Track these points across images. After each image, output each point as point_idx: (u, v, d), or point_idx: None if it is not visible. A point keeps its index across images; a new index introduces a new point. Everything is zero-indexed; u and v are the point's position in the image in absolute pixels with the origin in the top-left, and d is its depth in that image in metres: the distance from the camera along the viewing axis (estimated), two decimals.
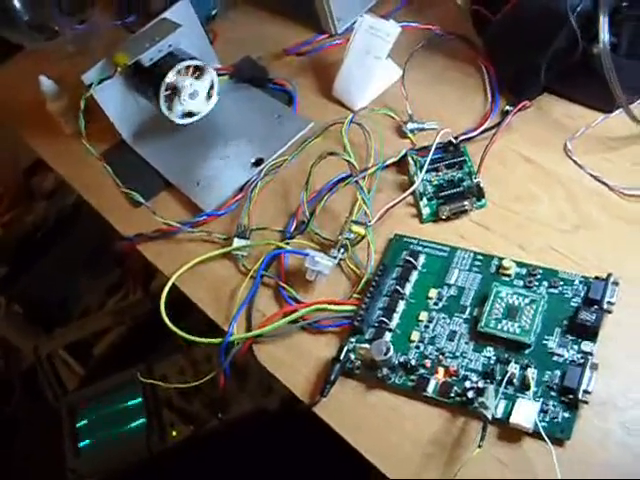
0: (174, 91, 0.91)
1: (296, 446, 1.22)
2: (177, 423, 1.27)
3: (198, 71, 0.92)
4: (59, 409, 1.39)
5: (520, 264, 0.71)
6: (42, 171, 1.86)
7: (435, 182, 0.81)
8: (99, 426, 1.32)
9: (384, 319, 0.71)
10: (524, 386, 0.64)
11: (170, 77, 0.89)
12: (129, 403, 1.31)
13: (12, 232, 1.82)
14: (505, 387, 0.64)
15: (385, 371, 0.68)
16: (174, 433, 1.27)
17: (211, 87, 0.94)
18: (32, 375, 1.59)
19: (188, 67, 0.91)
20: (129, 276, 1.66)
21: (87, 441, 1.31)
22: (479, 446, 0.59)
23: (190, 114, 0.94)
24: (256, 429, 1.24)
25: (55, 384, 1.48)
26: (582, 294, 0.68)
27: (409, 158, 0.83)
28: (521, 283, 0.70)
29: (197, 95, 0.93)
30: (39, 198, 1.88)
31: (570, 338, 0.65)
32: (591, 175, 0.78)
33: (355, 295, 0.75)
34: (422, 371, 0.67)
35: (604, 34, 0.73)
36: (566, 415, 0.61)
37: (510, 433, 0.62)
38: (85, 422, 1.33)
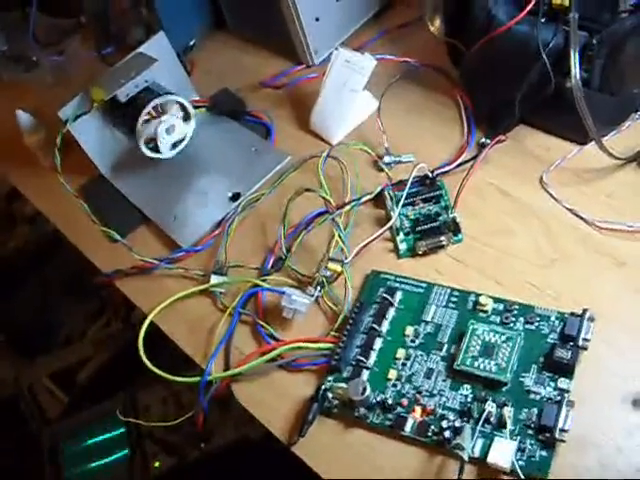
0: (159, 114, 0.92)
1: (279, 475, 1.21)
2: (160, 454, 1.26)
3: (185, 115, 0.93)
4: (40, 438, 1.38)
5: (497, 300, 0.72)
6: (23, 196, 1.85)
7: (412, 216, 0.82)
8: (82, 458, 1.31)
9: (361, 357, 0.71)
10: (501, 424, 0.63)
11: (140, 128, 0.90)
12: (112, 434, 1.31)
13: None
14: (482, 426, 0.64)
15: (362, 410, 0.68)
16: (157, 464, 1.26)
17: (185, 112, 0.94)
18: (14, 403, 1.58)
19: (181, 106, 0.92)
20: (110, 306, 1.65)
21: (70, 473, 1.30)
22: None
23: (154, 146, 0.94)
24: (239, 458, 1.23)
25: (36, 414, 1.47)
26: (558, 330, 0.68)
27: (386, 193, 0.83)
28: (498, 319, 0.70)
29: (172, 132, 0.93)
30: (21, 223, 1.87)
31: (547, 375, 0.65)
32: (567, 208, 0.78)
33: (333, 332, 0.75)
34: (399, 410, 0.67)
35: (575, 69, 0.74)
36: (543, 454, 0.61)
37: (488, 472, 0.62)
38: (67, 453, 1.32)
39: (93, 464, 1.30)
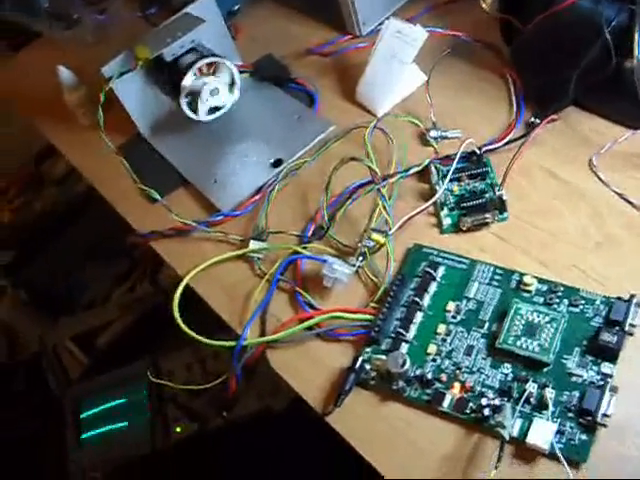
0: (194, 94, 0.91)
1: (300, 447, 1.21)
2: (181, 419, 1.26)
3: (214, 67, 0.92)
4: (62, 399, 1.38)
5: (541, 280, 0.70)
6: (53, 157, 1.85)
7: (457, 192, 0.80)
8: (103, 419, 1.32)
9: (401, 330, 0.70)
10: (541, 405, 0.63)
11: (187, 82, 0.89)
12: (134, 397, 1.31)
13: (21, 218, 1.82)
14: (522, 406, 0.63)
15: (400, 383, 0.67)
16: (178, 429, 1.26)
17: (232, 80, 0.93)
18: (36, 362, 1.59)
19: (204, 66, 0.90)
20: (137, 267, 1.65)
21: (90, 433, 1.31)
22: (495, 467, 0.58)
23: (215, 109, 0.94)
24: (261, 428, 1.23)
25: (59, 374, 1.48)
26: (603, 314, 0.66)
27: (432, 167, 0.82)
28: (541, 300, 0.69)
29: (217, 92, 0.92)
30: (49, 184, 1.88)
31: (590, 359, 0.64)
32: (616, 192, 0.76)
33: (372, 304, 0.74)
34: (438, 385, 0.66)
35: (638, 50, 0.72)
36: (583, 437, 0.60)
37: (525, 452, 0.61)
38: (89, 414, 1.33)
39: (114, 426, 1.30)
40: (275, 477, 1.21)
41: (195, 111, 0.93)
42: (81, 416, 1.33)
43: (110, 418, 1.31)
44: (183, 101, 0.92)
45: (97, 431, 1.31)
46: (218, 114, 0.95)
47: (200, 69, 0.90)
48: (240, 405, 1.23)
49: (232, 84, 0.94)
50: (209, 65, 0.91)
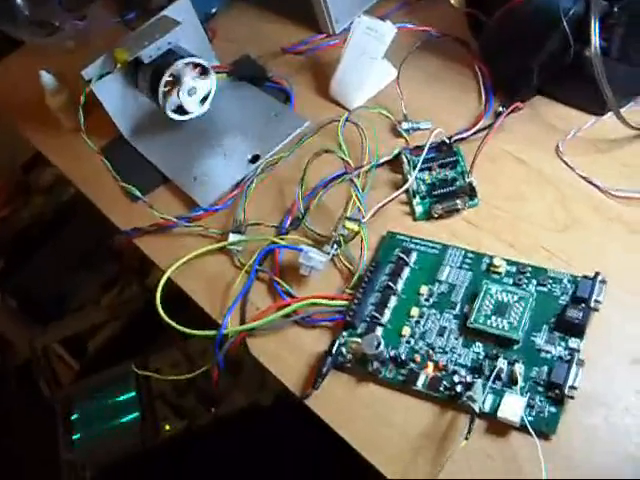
0: (175, 82, 0.92)
1: (289, 441, 1.23)
2: (170, 417, 1.28)
3: (202, 70, 0.94)
4: (54, 402, 1.40)
5: (510, 262, 0.73)
6: (40, 166, 1.87)
7: (428, 181, 0.83)
8: (93, 419, 1.33)
9: (376, 314, 0.72)
10: (512, 381, 0.65)
11: (178, 65, 0.90)
12: (123, 397, 1.32)
13: (8, 226, 1.83)
14: (493, 382, 0.65)
15: (376, 365, 0.69)
16: (167, 427, 1.28)
17: (208, 93, 0.95)
18: (27, 369, 1.60)
19: (195, 65, 0.93)
20: (125, 272, 1.67)
21: (81, 434, 1.32)
22: (466, 438, 0.60)
23: (182, 111, 0.95)
24: (249, 424, 1.25)
25: (50, 378, 1.49)
26: (570, 292, 0.69)
27: (403, 157, 0.84)
28: (511, 281, 0.71)
29: (194, 93, 0.94)
30: (36, 193, 1.89)
31: (557, 335, 0.67)
32: (581, 176, 0.79)
33: (348, 290, 0.76)
34: (412, 365, 0.68)
35: (595, 38, 0.74)
36: (552, 410, 0.63)
37: (497, 427, 0.63)
38: (79, 415, 1.34)
39: (104, 426, 1.32)
40: (263, 470, 1.22)
41: (186, 112, 0.95)
42: (72, 417, 1.34)
43: (100, 418, 1.33)
44: (171, 115, 0.94)
45: (88, 431, 1.32)
46: (180, 117, 0.96)
47: (193, 65, 0.92)
48: (228, 401, 1.25)
49: (203, 72, 0.94)
50: (194, 66, 0.93)
